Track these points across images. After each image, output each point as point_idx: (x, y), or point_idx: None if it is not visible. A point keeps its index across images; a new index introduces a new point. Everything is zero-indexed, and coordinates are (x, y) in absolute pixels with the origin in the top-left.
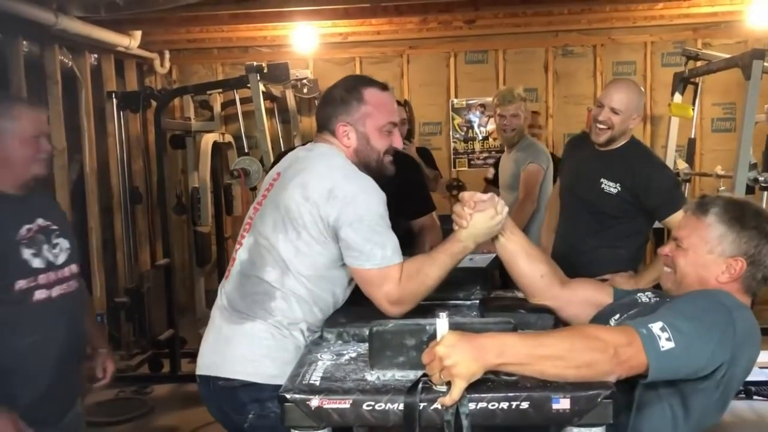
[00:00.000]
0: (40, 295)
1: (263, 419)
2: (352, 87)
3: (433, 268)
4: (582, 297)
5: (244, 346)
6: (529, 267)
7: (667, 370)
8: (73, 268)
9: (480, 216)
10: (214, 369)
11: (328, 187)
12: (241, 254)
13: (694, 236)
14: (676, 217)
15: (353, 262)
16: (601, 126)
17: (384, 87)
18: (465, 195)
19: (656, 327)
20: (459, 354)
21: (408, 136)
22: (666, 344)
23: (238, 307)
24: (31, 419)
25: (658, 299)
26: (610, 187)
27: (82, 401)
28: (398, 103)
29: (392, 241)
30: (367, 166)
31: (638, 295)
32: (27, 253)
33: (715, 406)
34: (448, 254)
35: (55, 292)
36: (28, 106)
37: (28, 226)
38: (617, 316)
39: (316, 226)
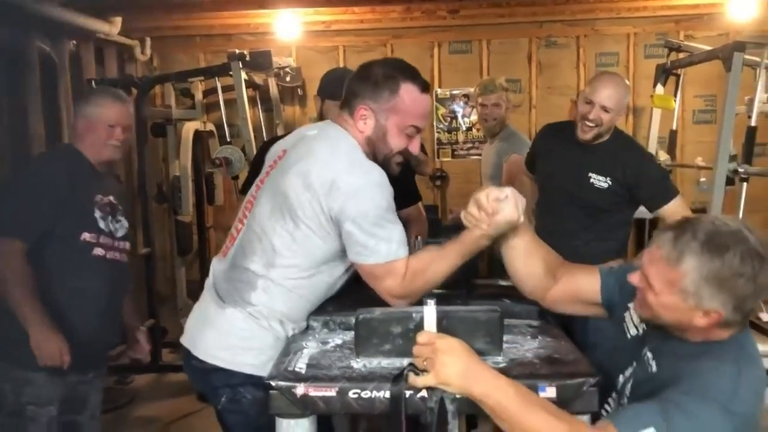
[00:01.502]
0: (97, 251)
1: (235, 403)
2: (392, 75)
3: (441, 266)
4: (569, 293)
5: (222, 331)
6: (528, 268)
7: None
8: (126, 245)
9: (502, 219)
10: (192, 346)
11: (331, 177)
12: (239, 236)
13: (665, 282)
14: (668, 208)
15: (356, 257)
16: (590, 124)
17: (425, 88)
18: (481, 199)
19: None
20: (454, 362)
21: None
22: None
23: (221, 291)
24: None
25: (645, 327)
26: (600, 181)
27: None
28: None
29: (398, 234)
30: (373, 158)
31: (627, 310)
32: (97, 213)
33: None
34: (460, 255)
35: (109, 255)
36: (113, 98)
37: (101, 196)
38: (628, 388)
39: (317, 219)
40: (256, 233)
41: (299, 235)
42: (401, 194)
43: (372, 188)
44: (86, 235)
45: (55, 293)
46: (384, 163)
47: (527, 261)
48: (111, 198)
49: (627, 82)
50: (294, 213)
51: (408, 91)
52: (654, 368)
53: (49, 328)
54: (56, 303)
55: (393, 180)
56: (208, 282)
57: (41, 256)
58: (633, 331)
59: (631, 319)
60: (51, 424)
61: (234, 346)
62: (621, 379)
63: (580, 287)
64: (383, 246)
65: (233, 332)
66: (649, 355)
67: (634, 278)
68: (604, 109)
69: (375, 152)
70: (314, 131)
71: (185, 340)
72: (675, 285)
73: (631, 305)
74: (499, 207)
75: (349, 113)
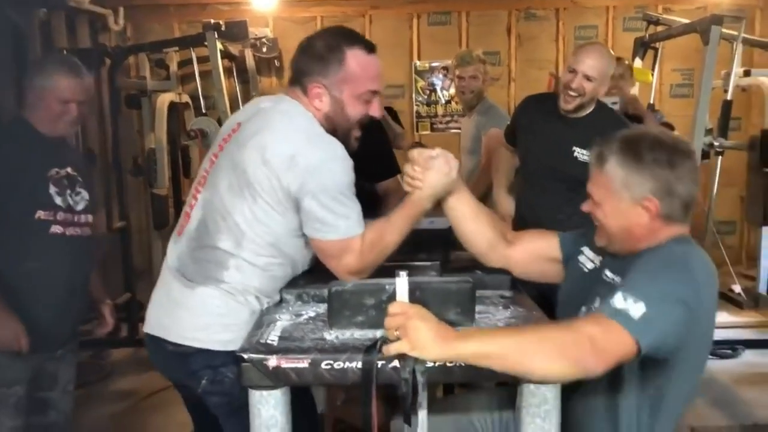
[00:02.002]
0: (55, 229)
1: (217, 384)
2: (335, 45)
3: (393, 235)
4: (530, 252)
5: (195, 311)
6: (476, 230)
7: (653, 333)
8: (89, 217)
9: (434, 174)
10: (164, 331)
11: (289, 152)
12: (195, 213)
13: (601, 189)
14: None
15: (314, 233)
16: (573, 93)
17: (371, 48)
18: (414, 154)
19: (618, 300)
20: (427, 327)
21: None
22: (636, 311)
23: (188, 271)
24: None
25: (601, 258)
26: (584, 154)
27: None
28: None
29: (356, 211)
30: (333, 133)
31: (580, 257)
32: (52, 189)
33: (690, 369)
34: (407, 219)
35: (69, 231)
36: (68, 70)
37: (57, 169)
38: (584, 309)
39: (275, 194)
40: (218, 210)
41: (258, 210)
42: (380, 167)
43: (333, 162)
44: (41, 214)
45: (13, 276)
46: (344, 138)
47: (473, 225)
48: (69, 169)
49: (612, 53)
50: (252, 187)
51: (355, 57)
52: (618, 279)
53: (4, 314)
54: (15, 286)
55: (369, 153)
56: (168, 263)
57: None
58: (590, 265)
59: (587, 257)
60: (19, 405)
61: (211, 324)
62: (584, 309)
63: (540, 244)
64: (342, 222)
65: (208, 310)
66: (609, 273)
67: (586, 206)
68: (587, 78)
69: (335, 127)
70: (269, 103)
71: (152, 329)
72: (608, 187)
73: (584, 248)
74: (431, 163)
75: (302, 91)
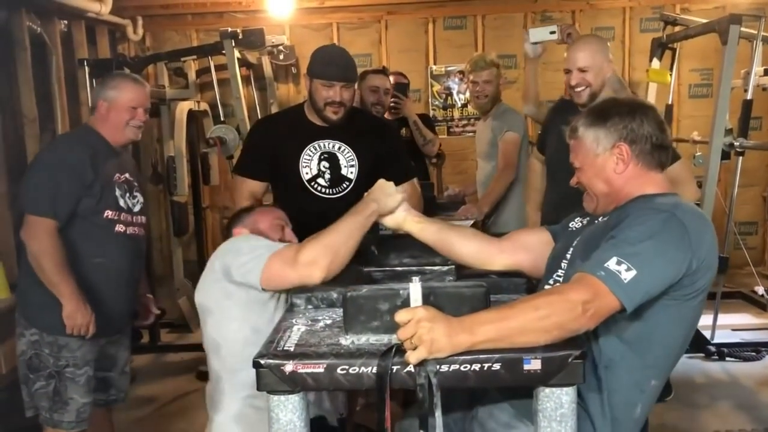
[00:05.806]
0: (119, 228)
1: None
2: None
3: (337, 224)
4: (525, 243)
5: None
6: (468, 243)
7: (639, 296)
8: (143, 219)
9: (377, 184)
10: None
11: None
12: None
13: (580, 153)
14: (672, 170)
15: (254, 266)
16: (578, 89)
17: None
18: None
19: (612, 263)
20: (437, 325)
21: (404, 92)
22: (627, 275)
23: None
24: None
25: (588, 218)
26: None
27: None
28: (378, 71)
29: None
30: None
31: (570, 224)
32: (117, 192)
33: (685, 311)
34: (352, 212)
35: (128, 230)
36: (133, 81)
37: (119, 174)
38: (569, 254)
39: (222, 275)
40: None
41: (216, 302)
42: (393, 171)
43: (234, 243)
44: (108, 213)
45: (82, 268)
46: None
47: (464, 240)
48: (127, 175)
49: (600, 37)
50: (208, 309)
51: None
52: (607, 219)
53: (81, 301)
54: (83, 277)
55: (384, 157)
56: None
57: (68, 233)
58: (579, 225)
59: (575, 222)
60: (89, 383)
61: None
62: (571, 250)
63: (530, 234)
64: (264, 250)
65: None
66: (599, 221)
67: (574, 179)
68: (582, 70)
69: None
70: None
71: None
72: (584, 148)
73: (574, 219)
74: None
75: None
